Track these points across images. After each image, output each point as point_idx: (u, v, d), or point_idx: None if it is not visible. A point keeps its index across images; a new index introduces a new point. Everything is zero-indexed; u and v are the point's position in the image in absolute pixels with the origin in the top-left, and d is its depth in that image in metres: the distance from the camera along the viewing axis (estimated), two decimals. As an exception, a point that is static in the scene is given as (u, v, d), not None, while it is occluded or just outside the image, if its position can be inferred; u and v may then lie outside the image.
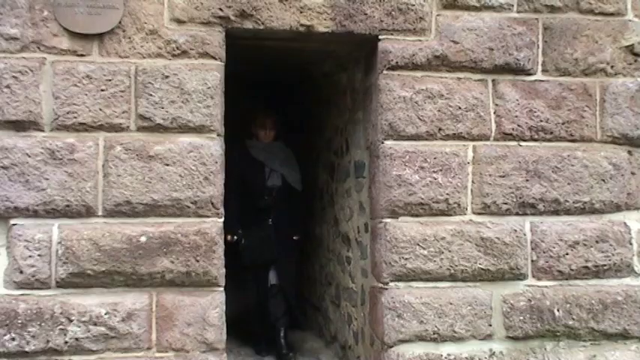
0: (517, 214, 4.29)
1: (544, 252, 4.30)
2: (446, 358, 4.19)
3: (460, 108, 4.22)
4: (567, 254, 4.32)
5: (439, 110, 4.20)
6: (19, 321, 3.78)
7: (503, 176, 4.26)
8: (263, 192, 5.51)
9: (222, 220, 4.03)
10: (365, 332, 4.68)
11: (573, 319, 4.31)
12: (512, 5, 4.30)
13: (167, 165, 3.92)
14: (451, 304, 4.19)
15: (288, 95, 7.13)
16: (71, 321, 3.82)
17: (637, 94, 4.41)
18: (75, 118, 3.85)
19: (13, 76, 3.80)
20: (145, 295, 3.93)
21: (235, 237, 5.29)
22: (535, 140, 4.32)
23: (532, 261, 4.30)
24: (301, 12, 4.08)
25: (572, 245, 4.32)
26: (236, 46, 4.18)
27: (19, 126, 3.82)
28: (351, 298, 5.15)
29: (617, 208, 4.40)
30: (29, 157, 3.80)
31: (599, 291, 4.37)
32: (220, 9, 4.00)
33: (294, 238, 5.75)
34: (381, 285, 4.21)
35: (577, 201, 4.34)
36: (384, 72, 4.18)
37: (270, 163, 5.56)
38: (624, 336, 4.38)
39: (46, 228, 3.83)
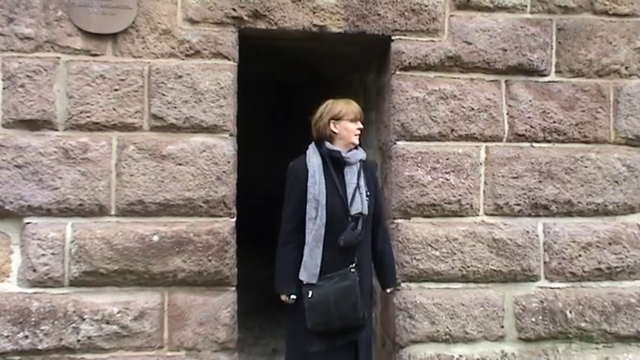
0: (530, 215, 4.27)
1: (557, 253, 4.29)
2: (457, 359, 4.18)
3: (473, 109, 4.21)
4: (580, 256, 4.30)
5: (452, 111, 4.19)
6: (33, 319, 3.80)
7: (516, 177, 4.24)
8: (345, 223, 3.45)
9: (234, 219, 4.03)
10: (376, 333, 4.68)
11: (586, 321, 4.30)
12: (526, 6, 4.29)
13: (180, 165, 3.93)
14: (463, 305, 4.18)
15: (301, 96, 7.14)
16: (84, 319, 3.84)
17: (651, 95, 4.40)
18: (88, 117, 3.87)
19: (28, 76, 3.83)
20: (157, 294, 3.94)
21: (292, 296, 3.46)
22: (548, 141, 4.31)
23: (544, 262, 4.29)
24: (314, 12, 4.08)
25: (585, 247, 4.31)
26: (249, 47, 4.18)
27: (33, 125, 3.85)
28: (362, 299, 5.13)
29: (631, 210, 4.38)
30: (43, 156, 3.82)
31: (611, 293, 4.35)
32: (233, 9, 4.00)
33: (387, 291, 3.81)
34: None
35: (590, 202, 4.32)
36: (397, 72, 4.18)
37: (358, 180, 3.54)
38: (637, 338, 4.36)
39: (60, 227, 3.85)
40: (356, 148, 3.59)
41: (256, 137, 8.22)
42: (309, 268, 3.39)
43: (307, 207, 3.42)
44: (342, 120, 3.54)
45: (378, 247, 3.66)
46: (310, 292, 3.40)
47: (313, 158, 3.52)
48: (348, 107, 3.56)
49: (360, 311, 3.42)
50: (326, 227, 3.40)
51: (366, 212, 3.49)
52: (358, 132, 3.57)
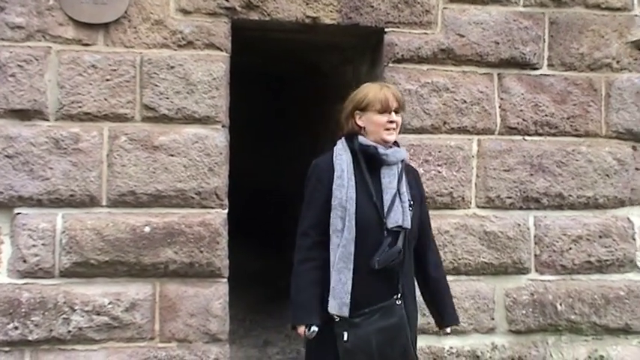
0: (521, 208, 4.29)
1: (547, 246, 4.31)
2: (448, 351, 4.20)
3: (465, 102, 4.22)
4: (570, 249, 4.33)
5: (444, 104, 4.19)
6: (23, 310, 3.78)
7: (508, 170, 4.26)
8: (380, 239, 2.70)
9: (226, 211, 4.02)
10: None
11: (575, 313, 4.32)
12: (519, -1, 4.30)
13: (172, 156, 3.92)
14: (454, 297, 4.17)
15: (295, 88, 7.13)
16: (74, 310, 3.82)
17: (642, 89, 4.42)
18: (80, 107, 3.85)
19: (19, 65, 3.79)
20: (149, 285, 3.93)
21: (313, 329, 2.70)
22: (540, 135, 4.32)
23: (535, 255, 4.31)
24: (307, 4, 4.07)
25: (575, 240, 4.33)
26: (243, 38, 4.17)
27: (23, 115, 3.82)
28: (353, 291, 5.14)
29: (621, 203, 4.41)
30: (34, 146, 3.80)
31: (601, 286, 4.38)
32: None
33: (448, 330, 3.09)
34: (384, 278, 4.21)
35: (581, 196, 4.34)
36: (390, 65, 4.17)
37: (398, 184, 2.79)
38: (626, 331, 4.40)
39: (50, 217, 3.83)
40: (396, 145, 2.87)
41: (251, 129, 8.22)
42: (339, 296, 2.64)
43: (332, 216, 2.70)
44: (368, 111, 2.80)
45: (430, 274, 2.97)
46: (345, 334, 2.64)
47: (342, 155, 2.79)
48: (375, 94, 2.80)
49: (411, 355, 2.76)
50: (357, 244, 2.66)
51: (408, 226, 2.73)
52: (391, 126, 2.79)
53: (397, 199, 2.74)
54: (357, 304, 2.64)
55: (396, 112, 2.81)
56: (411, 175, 2.93)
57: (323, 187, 2.75)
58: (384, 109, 2.77)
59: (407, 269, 2.79)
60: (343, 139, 2.86)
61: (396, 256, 2.67)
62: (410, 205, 2.77)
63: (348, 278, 2.64)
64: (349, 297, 2.63)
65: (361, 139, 2.79)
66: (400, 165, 2.84)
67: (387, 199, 2.73)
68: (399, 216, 2.72)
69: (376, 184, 2.76)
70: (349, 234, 2.66)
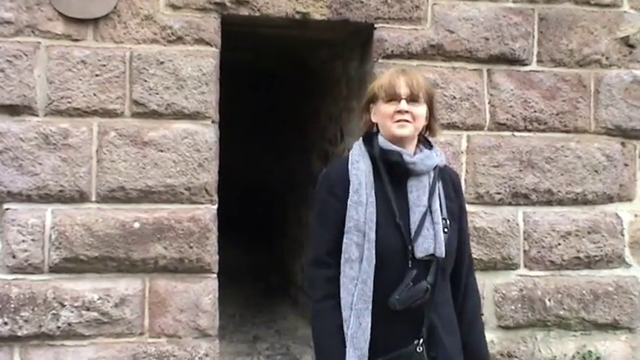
0: (510, 204, 4.30)
1: (536, 242, 4.32)
2: (437, 346, 4.21)
3: (455, 97, 4.23)
4: (559, 244, 4.34)
5: (434, 99, 4.20)
6: (12, 305, 3.77)
7: (497, 166, 4.27)
8: (403, 272, 2.16)
9: (215, 207, 4.02)
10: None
11: (564, 309, 4.34)
12: (509, -5, 4.31)
13: (161, 151, 3.91)
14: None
15: (286, 83, 7.11)
16: (64, 306, 3.82)
17: (631, 85, 4.43)
18: (69, 103, 3.84)
19: (8, 60, 3.78)
20: (138, 280, 3.93)
21: None
22: (529, 131, 4.34)
23: (524, 251, 4.32)
24: (297, -1, 4.07)
25: (564, 236, 4.35)
26: (235, 34, 4.16)
27: (13, 110, 3.81)
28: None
29: (610, 199, 4.43)
30: (23, 141, 3.79)
31: (590, 281, 4.40)
32: (216, -5, 3.99)
33: None
34: (373, 273, 4.21)
35: (570, 192, 4.36)
36: (380, 61, 4.17)
37: (430, 200, 2.24)
38: (614, 326, 4.42)
39: (40, 213, 3.82)
40: (429, 146, 2.33)
41: (241, 125, 8.22)
42: (359, 346, 2.13)
43: (345, 241, 2.18)
44: (377, 101, 2.28)
45: (464, 307, 2.36)
46: None
47: (359, 162, 2.26)
48: (382, 80, 2.30)
49: None
50: (375, 277, 2.15)
51: (441, 254, 2.18)
52: (401, 117, 2.21)
53: (427, 219, 2.21)
54: (372, 351, 2.13)
55: (412, 100, 2.22)
56: (448, 181, 2.35)
57: (338, 202, 2.22)
58: (390, 97, 2.23)
59: (441, 301, 2.24)
60: (361, 141, 2.34)
61: (421, 295, 2.13)
62: (445, 227, 2.22)
63: (368, 322, 2.13)
64: (368, 346, 2.13)
65: (382, 141, 2.25)
66: (432, 173, 2.28)
67: (414, 220, 2.20)
68: (430, 242, 2.18)
69: (401, 200, 2.22)
70: (369, 265, 2.14)
